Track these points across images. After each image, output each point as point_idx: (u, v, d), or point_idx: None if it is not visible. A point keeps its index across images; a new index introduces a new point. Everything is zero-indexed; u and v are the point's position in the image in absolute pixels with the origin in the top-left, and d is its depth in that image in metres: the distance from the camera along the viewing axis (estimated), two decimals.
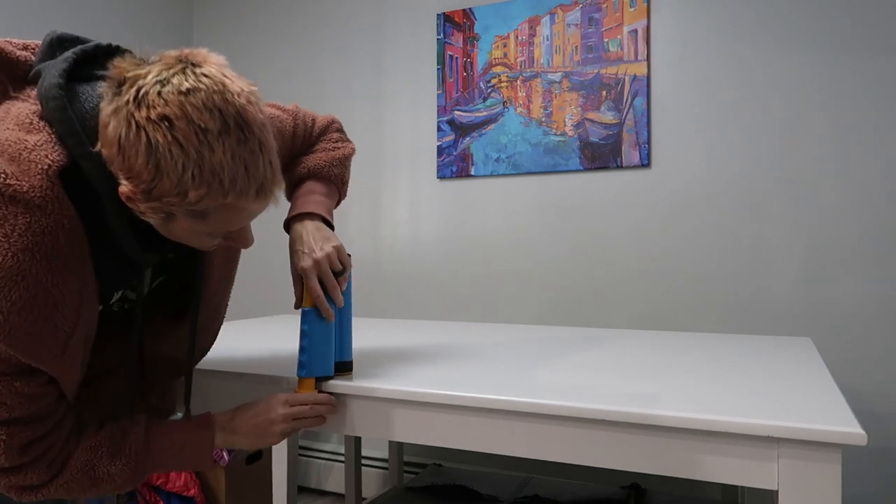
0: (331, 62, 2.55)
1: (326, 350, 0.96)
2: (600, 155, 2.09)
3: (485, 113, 2.25)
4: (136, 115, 0.68)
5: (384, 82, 2.44)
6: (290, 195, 1.10)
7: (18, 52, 0.82)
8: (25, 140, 0.72)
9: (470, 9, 2.28)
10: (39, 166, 0.71)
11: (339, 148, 1.13)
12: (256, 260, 2.69)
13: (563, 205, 2.17)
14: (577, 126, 2.12)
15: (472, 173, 2.28)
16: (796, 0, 1.89)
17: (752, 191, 1.94)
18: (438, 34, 2.32)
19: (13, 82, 0.81)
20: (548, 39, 2.16)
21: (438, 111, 2.32)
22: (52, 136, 0.74)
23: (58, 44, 0.80)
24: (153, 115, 0.68)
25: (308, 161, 1.10)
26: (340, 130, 1.17)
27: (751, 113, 1.94)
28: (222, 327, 1.73)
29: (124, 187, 0.71)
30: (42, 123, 0.74)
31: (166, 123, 0.68)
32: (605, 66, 2.08)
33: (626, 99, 2.06)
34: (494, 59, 2.24)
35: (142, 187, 0.71)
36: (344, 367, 1.01)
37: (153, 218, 0.75)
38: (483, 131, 2.26)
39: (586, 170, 2.12)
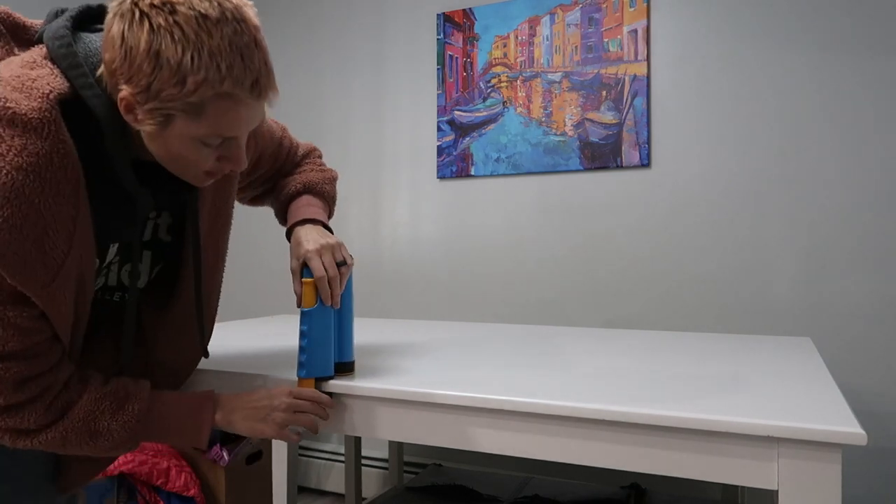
0: (331, 62, 2.55)
1: (326, 350, 0.96)
2: (600, 155, 2.10)
3: (485, 113, 2.25)
4: (140, 3, 0.72)
5: (384, 82, 2.44)
6: (284, 209, 1.11)
7: (25, 19, 0.85)
8: (29, 73, 0.75)
9: (470, 9, 2.28)
10: (40, 91, 0.74)
11: (326, 171, 1.17)
12: (256, 260, 2.69)
13: (563, 205, 2.17)
14: (577, 126, 2.12)
15: (472, 173, 2.28)
16: (796, 0, 1.89)
17: (752, 191, 1.94)
18: (438, 34, 2.32)
19: (20, 45, 0.83)
20: (548, 39, 2.17)
21: (438, 111, 2.32)
22: (55, 70, 0.77)
23: (62, 14, 0.84)
24: (156, 2, 0.72)
25: (301, 178, 1.13)
26: (321, 157, 1.22)
27: (751, 113, 1.94)
28: (222, 328, 1.73)
29: (124, 92, 0.74)
30: (45, 62, 0.78)
31: (168, 7, 0.72)
32: (605, 66, 2.08)
33: (626, 99, 2.06)
34: (494, 59, 2.24)
35: (142, 83, 0.73)
36: (345, 368, 1.01)
37: (151, 125, 0.76)
38: (483, 131, 2.26)
39: (586, 170, 2.13)
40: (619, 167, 2.08)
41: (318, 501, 2.44)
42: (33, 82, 0.74)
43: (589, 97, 2.10)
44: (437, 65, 2.32)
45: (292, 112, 2.63)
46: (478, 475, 2.02)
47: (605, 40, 2.08)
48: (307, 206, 1.07)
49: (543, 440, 0.85)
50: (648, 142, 2.04)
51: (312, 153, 1.20)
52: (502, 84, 2.23)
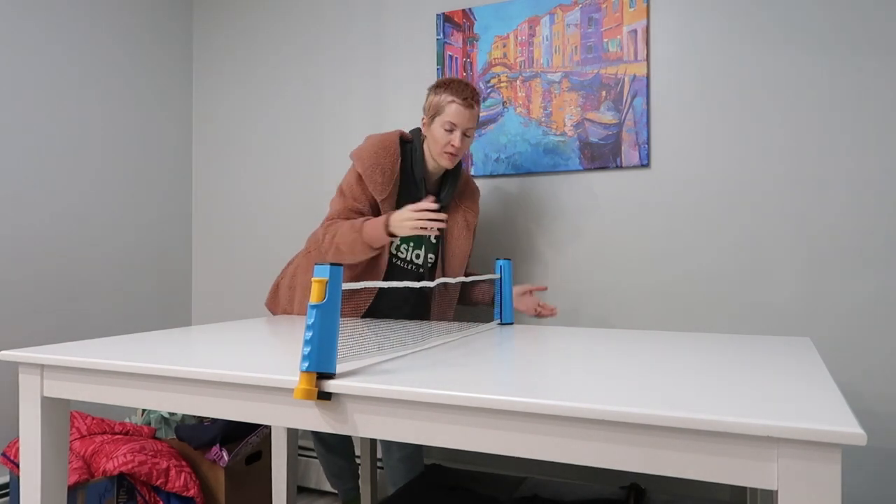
0: (331, 62, 2.55)
1: (330, 346, 0.96)
2: (600, 155, 2.09)
3: (484, 113, 2.25)
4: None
5: (384, 82, 2.44)
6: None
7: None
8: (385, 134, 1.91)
9: (469, 9, 2.28)
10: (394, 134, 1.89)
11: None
12: (257, 261, 2.69)
13: (563, 205, 2.17)
14: (577, 126, 2.12)
15: (472, 173, 2.28)
16: (796, 0, 1.89)
17: (752, 191, 1.94)
18: (438, 34, 2.32)
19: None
20: (547, 39, 2.16)
21: None
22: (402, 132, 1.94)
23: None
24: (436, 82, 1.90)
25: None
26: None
27: (750, 113, 1.94)
28: (223, 327, 1.73)
29: (424, 121, 1.88)
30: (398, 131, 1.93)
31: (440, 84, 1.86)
32: (605, 66, 2.08)
33: (626, 99, 2.06)
34: (494, 59, 2.24)
35: (427, 109, 1.86)
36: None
37: (427, 123, 1.85)
38: (483, 131, 2.26)
39: (586, 170, 2.12)
40: (619, 167, 2.08)
41: (317, 502, 2.44)
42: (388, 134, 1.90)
43: (588, 97, 2.10)
44: (437, 65, 2.32)
45: (292, 112, 2.63)
46: (478, 475, 2.02)
47: (605, 40, 2.08)
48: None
49: (543, 440, 0.85)
50: (648, 142, 2.04)
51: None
52: (502, 84, 2.23)
